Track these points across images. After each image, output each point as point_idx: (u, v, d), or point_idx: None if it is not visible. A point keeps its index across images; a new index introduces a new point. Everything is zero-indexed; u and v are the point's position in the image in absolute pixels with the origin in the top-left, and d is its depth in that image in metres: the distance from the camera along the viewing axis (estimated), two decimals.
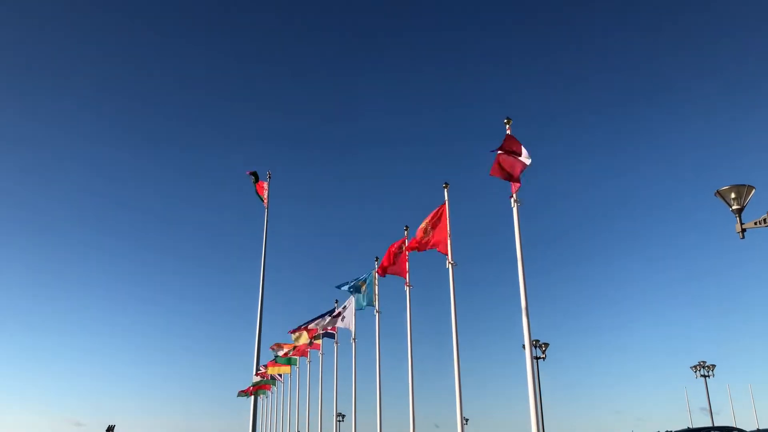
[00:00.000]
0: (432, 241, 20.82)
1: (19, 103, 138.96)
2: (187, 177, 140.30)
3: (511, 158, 16.00)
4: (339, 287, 29.31)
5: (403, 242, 24.44)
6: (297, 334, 39.64)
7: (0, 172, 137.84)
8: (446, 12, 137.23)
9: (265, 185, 49.30)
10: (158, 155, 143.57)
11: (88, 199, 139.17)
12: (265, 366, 44.90)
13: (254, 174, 50.29)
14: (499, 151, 16.02)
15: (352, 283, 28.53)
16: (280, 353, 43.38)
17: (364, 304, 28.17)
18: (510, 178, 16.06)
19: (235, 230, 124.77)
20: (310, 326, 34.36)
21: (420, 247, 21.43)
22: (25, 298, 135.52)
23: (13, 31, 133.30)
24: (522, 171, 16.00)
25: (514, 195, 15.76)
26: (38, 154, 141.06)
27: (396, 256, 24.47)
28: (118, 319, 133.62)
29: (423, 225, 21.37)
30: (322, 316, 33.26)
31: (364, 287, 28.01)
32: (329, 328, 33.37)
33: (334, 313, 31.91)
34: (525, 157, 15.88)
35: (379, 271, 25.02)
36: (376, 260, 27.77)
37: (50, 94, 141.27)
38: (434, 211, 21.20)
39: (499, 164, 16.12)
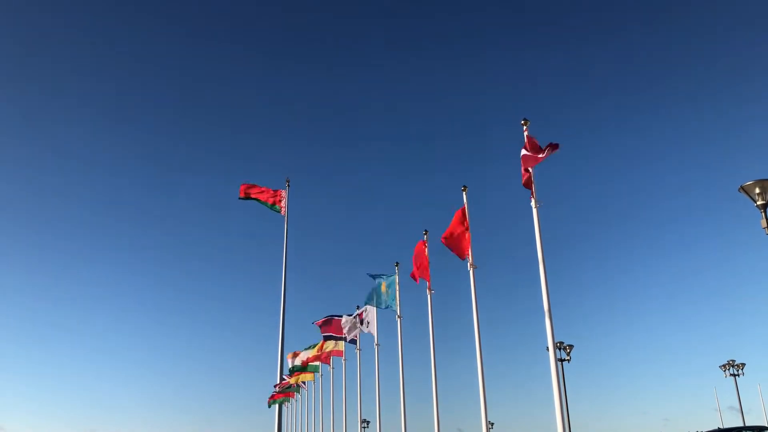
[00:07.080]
0: (455, 245, 20.47)
1: (19, 104, 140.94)
2: (203, 183, 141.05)
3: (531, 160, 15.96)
4: (372, 276, 28.87)
5: (424, 245, 24.29)
6: (320, 344, 39.77)
7: (1, 176, 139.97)
8: (467, 13, 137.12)
9: (284, 194, 47.66)
10: (171, 162, 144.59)
11: (104, 203, 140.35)
12: (288, 376, 45.09)
13: (247, 192, 46.91)
14: (525, 152, 15.97)
15: (378, 282, 28.24)
16: (298, 361, 43.62)
17: (383, 306, 28.12)
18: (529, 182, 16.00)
19: (257, 236, 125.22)
20: (337, 319, 34.86)
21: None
22: (44, 304, 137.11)
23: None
24: (534, 164, 15.87)
25: (534, 197, 15.64)
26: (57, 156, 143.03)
27: (417, 259, 24.34)
28: (136, 327, 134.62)
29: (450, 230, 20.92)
30: (349, 315, 33.31)
31: (384, 288, 27.86)
32: (354, 335, 33.33)
33: (359, 318, 31.86)
34: (540, 153, 15.82)
35: (416, 279, 24.60)
36: (397, 265, 27.70)
37: (50, 93, 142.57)
38: (456, 215, 20.94)
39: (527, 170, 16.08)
